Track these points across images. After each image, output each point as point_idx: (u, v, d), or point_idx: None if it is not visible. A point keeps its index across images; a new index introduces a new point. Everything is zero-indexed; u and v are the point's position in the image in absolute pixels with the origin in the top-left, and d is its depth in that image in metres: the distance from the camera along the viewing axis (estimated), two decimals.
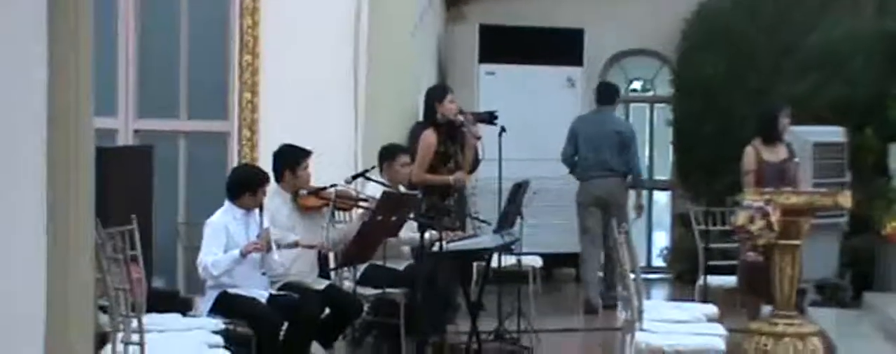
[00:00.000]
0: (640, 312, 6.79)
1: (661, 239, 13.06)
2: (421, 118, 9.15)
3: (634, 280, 6.83)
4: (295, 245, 7.45)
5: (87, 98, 4.15)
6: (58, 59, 3.94)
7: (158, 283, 8.84)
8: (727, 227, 8.46)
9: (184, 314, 7.20)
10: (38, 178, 3.89)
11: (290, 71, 9.30)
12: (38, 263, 3.82)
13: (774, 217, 7.80)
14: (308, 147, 7.73)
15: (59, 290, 3.90)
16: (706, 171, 11.06)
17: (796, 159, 8.75)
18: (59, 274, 3.92)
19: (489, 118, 8.99)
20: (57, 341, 3.88)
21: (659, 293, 11.82)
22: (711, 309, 7.61)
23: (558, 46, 11.85)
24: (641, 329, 6.66)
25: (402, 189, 8.13)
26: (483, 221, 8.86)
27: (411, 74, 10.10)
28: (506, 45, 11.70)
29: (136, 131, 9.46)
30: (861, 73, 10.94)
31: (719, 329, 6.93)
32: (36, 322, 3.82)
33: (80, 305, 4.04)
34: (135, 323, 5.74)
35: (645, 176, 11.53)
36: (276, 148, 7.89)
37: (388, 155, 8.35)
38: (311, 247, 7.57)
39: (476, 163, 9.23)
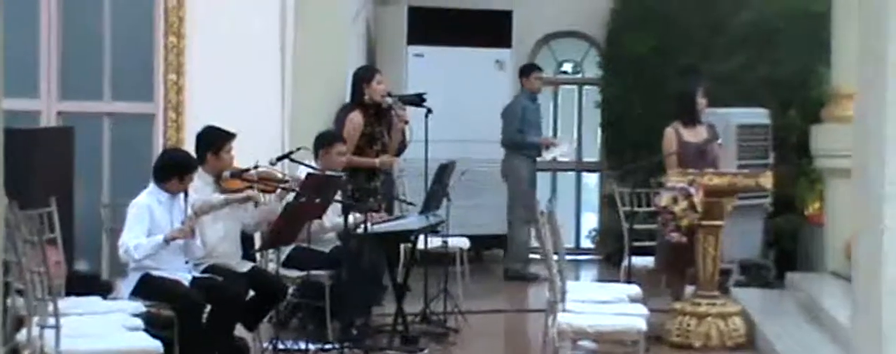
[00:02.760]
0: (563, 293, 6.81)
1: (591, 221, 13.12)
2: (348, 100, 9.11)
3: (557, 261, 6.85)
4: (225, 203, 7.35)
5: None
6: None
7: (82, 266, 8.76)
8: (652, 208, 8.51)
9: (104, 297, 7.15)
10: None
11: (216, 51, 9.24)
12: None
13: (697, 198, 7.88)
14: (233, 129, 7.66)
15: None
16: (634, 152, 11.12)
17: (719, 140, 8.81)
18: None
19: (418, 100, 8.99)
20: None
21: (588, 274, 11.90)
22: (634, 290, 7.66)
23: (487, 28, 11.85)
24: (564, 310, 6.69)
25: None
26: (409, 203, 8.88)
27: (339, 54, 10.05)
28: (435, 26, 11.68)
29: (58, 113, 9.36)
30: (787, 53, 11.04)
31: (641, 309, 6.98)
32: None
33: None
34: (51, 307, 5.66)
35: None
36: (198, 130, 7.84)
37: (324, 142, 8.30)
38: (245, 200, 7.47)
39: (403, 145, 9.22)
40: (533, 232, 10.79)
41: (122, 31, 9.46)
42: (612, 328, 6.59)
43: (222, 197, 7.40)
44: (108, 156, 9.45)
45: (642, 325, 6.58)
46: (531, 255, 11.09)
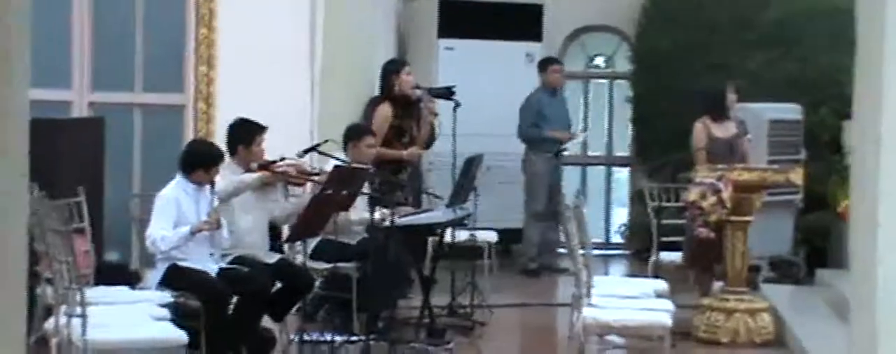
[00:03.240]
0: (589, 287, 6.80)
1: (622, 216, 13.09)
2: (377, 92, 9.12)
3: (583, 255, 6.84)
4: (260, 181, 7.40)
5: (22, 65, 4.10)
6: None
7: (112, 256, 8.83)
8: (681, 204, 8.49)
9: (132, 287, 7.19)
10: None
11: (247, 44, 9.28)
12: None
13: (726, 193, 7.85)
14: (263, 121, 7.68)
15: None
16: (664, 147, 11.08)
17: (748, 136, 8.77)
18: None
19: (447, 93, 8.99)
20: None
21: (617, 269, 11.86)
22: (661, 285, 7.65)
23: (518, 22, 11.82)
24: (589, 305, 6.68)
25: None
26: (436, 196, 8.88)
27: (368, 48, 10.07)
28: (465, 19, 11.66)
29: (90, 104, 9.43)
30: (816, 50, 10.96)
31: (667, 304, 6.95)
32: None
33: (11, 275, 4.00)
34: (79, 296, 5.70)
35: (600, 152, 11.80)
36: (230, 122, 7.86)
37: (354, 135, 8.29)
38: (279, 179, 7.51)
39: (432, 138, 9.22)
40: (545, 228, 10.89)
41: (154, 23, 9.52)
42: (637, 323, 6.58)
43: (257, 174, 7.43)
44: (138, 146, 9.52)
45: (667, 320, 6.56)
46: (546, 250, 11.06)
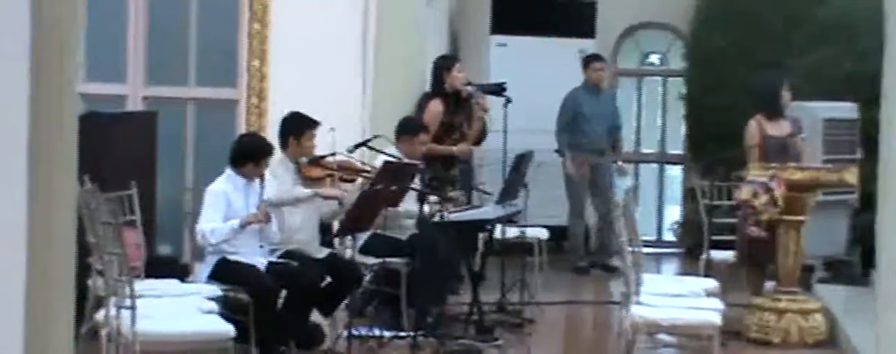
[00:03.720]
0: (638, 285, 6.76)
1: (675, 214, 13.02)
2: (428, 88, 9.12)
3: (632, 253, 6.80)
4: (314, 196, 7.42)
5: (73, 57, 4.14)
6: (44, 22, 3.92)
7: (164, 250, 8.89)
8: (733, 202, 8.42)
9: (182, 280, 7.23)
10: (21, 138, 3.89)
11: (299, 39, 9.31)
12: (18, 221, 3.83)
13: (778, 192, 7.78)
14: (315, 116, 7.70)
15: (39, 251, 3.91)
16: (717, 145, 11.00)
17: (803, 134, 8.69)
18: (40, 233, 3.92)
19: (498, 89, 8.98)
20: (36, 299, 3.89)
21: (669, 267, 11.80)
22: (711, 284, 7.59)
23: (571, 18, 11.80)
24: (638, 303, 6.64)
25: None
26: (486, 192, 8.87)
27: (421, 43, 10.08)
28: (518, 16, 11.65)
29: (144, 98, 9.48)
30: (872, 47, 10.80)
31: (717, 303, 6.90)
32: (16, 278, 3.83)
33: (60, 265, 4.04)
34: (128, 288, 5.74)
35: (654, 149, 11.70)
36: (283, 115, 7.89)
37: (407, 129, 8.30)
38: (331, 198, 7.53)
39: (483, 135, 9.21)
40: (600, 227, 10.85)
41: (208, 18, 9.56)
42: (686, 321, 6.54)
43: (310, 191, 7.45)
44: (191, 141, 9.56)
45: (717, 319, 6.51)
46: (601, 249, 11.02)
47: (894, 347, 3.66)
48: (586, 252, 11.08)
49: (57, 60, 4.01)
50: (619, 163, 11.05)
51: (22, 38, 3.86)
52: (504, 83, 8.96)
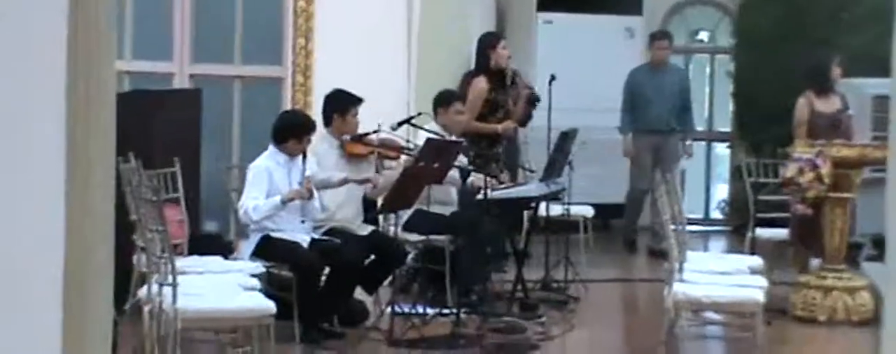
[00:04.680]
0: (681, 263, 6.73)
1: (723, 192, 12.94)
2: (473, 66, 9.10)
3: (675, 230, 6.76)
4: (344, 181, 7.44)
5: (110, 36, 4.16)
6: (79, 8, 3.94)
7: (210, 227, 8.94)
8: (779, 179, 8.35)
9: (226, 257, 7.26)
10: (58, 115, 3.91)
11: (344, 16, 9.33)
12: (56, 197, 3.86)
13: (824, 169, 7.71)
14: (360, 93, 7.70)
15: (76, 226, 3.94)
16: (765, 122, 10.90)
17: (850, 111, 8.60)
18: (78, 209, 3.95)
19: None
20: (74, 275, 3.93)
21: (716, 245, 11.73)
22: (756, 261, 7.53)
23: None
24: (681, 280, 6.60)
25: (454, 137, 8.08)
26: (530, 170, 8.85)
27: (466, 20, 10.05)
28: None
29: (191, 76, 9.54)
30: None
31: (761, 281, 6.84)
32: (54, 254, 3.87)
33: (98, 241, 4.06)
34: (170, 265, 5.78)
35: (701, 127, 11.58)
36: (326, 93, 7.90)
37: (442, 101, 8.28)
38: (363, 182, 7.54)
39: (529, 114, 9.16)
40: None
41: None
42: (729, 299, 6.49)
43: (343, 176, 7.45)
44: (237, 118, 9.62)
45: (760, 297, 6.46)
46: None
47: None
48: (639, 229, 10.95)
49: (94, 35, 4.03)
50: (688, 142, 10.83)
51: (59, 14, 3.88)
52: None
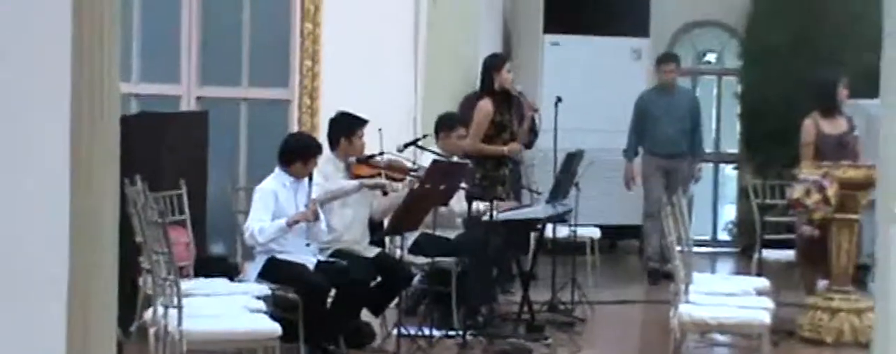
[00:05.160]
0: (687, 284, 6.72)
1: (730, 213, 12.94)
2: (477, 88, 9.13)
3: (681, 251, 6.76)
4: (360, 187, 7.45)
5: (114, 57, 4.17)
6: (83, 20, 3.96)
7: (217, 249, 8.95)
8: (786, 201, 8.35)
9: (232, 279, 7.27)
10: (63, 137, 3.94)
11: (351, 39, 9.33)
12: (61, 219, 3.88)
13: (831, 191, 7.70)
14: (366, 115, 7.72)
15: (83, 249, 3.96)
16: (772, 143, 10.91)
17: (856, 132, 8.60)
18: (83, 232, 3.96)
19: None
20: (79, 296, 3.94)
21: (723, 266, 11.73)
22: (762, 283, 7.53)
23: (625, 17, 11.74)
24: (686, 302, 6.60)
25: (455, 159, 8.11)
26: (536, 192, 8.86)
27: (473, 43, 10.08)
28: (572, 14, 11.61)
29: (198, 98, 9.56)
30: None
31: (767, 302, 6.84)
32: (58, 277, 3.88)
33: (103, 263, 4.07)
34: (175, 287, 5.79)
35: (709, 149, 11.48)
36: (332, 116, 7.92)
37: (445, 125, 8.32)
38: (375, 187, 7.53)
39: (534, 137, 9.17)
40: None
41: (260, 19, 9.62)
42: (734, 320, 6.49)
43: (356, 182, 7.47)
44: (244, 140, 9.63)
45: (766, 318, 6.46)
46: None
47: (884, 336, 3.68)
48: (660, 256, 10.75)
49: (98, 59, 4.05)
50: (698, 166, 10.71)
51: (63, 37, 3.90)
52: (558, 101, 8.80)
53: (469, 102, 9.00)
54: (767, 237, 8.67)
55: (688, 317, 6.43)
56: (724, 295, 6.90)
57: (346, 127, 7.66)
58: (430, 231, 7.87)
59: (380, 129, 7.65)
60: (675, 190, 9.89)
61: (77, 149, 3.96)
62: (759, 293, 7.20)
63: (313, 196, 7.10)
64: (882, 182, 3.67)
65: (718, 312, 6.50)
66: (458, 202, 7.90)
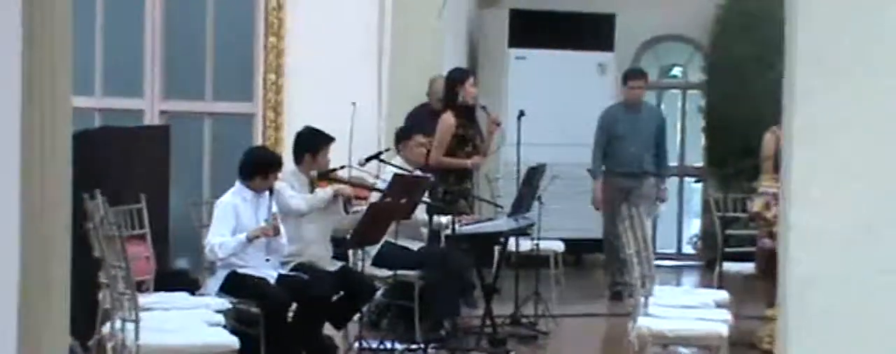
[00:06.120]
0: (646, 297, 6.75)
1: (695, 227, 12.98)
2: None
3: (639, 265, 6.79)
4: (336, 196, 7.48)
5: (65, 72, 4.19)
6: (34, 36, 3.97)
7: (181, 263, 8.93)
8: (747, 214, 8.40)
9: (192, 293, 7.26)
10: (13, 154, 3.94)
11: (315, 53, 9.36)
12: (10, 236, 3.88)
13: None
14: (330, 129, 7.74)
15: (34, 266, 3.96)
16: (737, 157, 10.96)
17: None
18: (34, 248, 3.96)
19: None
20: (30, 312, 3.94)
21: (688, 280, 11.75)
22: (722, 295, 7.56)
23: (590, 31, 11.78)
24: (646, 314, 6.63)
25: (417, 171, 8.13)
26: (497, 205, 8.88)
27: (437, 57, 10.10)
28: (537, 29, 11.64)
29: (162, 112, 9.56)
30: None
31: (725, 314, 6.88)
32: (8, 293, 3.88)
33: (55, 279, 4.08)
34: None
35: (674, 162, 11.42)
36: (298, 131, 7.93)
37: (403, 135, 8.37)
38: (346, 195, 7.56)
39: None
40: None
41: (224, 33, 9.64)
42: (692, 332, 6.52)
43: (330, 189, 7.49)
44: (208, 155, 9.63)
45: (723, 330, 6.48)
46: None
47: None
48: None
49: (49, 75, 4.06)
50: (663, 187, 10.39)
51: (13, 54, 3.91)
52: (521, 115, 8.76)
53: (417, 113, 9.05)
54: (730, 250, 8.70)
55: (646, 330, 6.45)
56: (683, 308, 6.93)
57: (312, 143, 7.67)
58: (393, 240, 7.87)
59: (343, 166, 7.66)
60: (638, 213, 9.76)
61: (28, 161, 3.97)
62: (719, 305, 7.23)
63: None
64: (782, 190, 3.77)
65: (676, 325, 6.53)
66: (421, 211, 7.92)
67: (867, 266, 3.63)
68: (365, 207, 7.68)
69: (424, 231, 8.21)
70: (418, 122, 8.98)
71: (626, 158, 10.07)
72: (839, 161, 3.68)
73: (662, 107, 12.74)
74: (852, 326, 3.65)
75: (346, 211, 7.68)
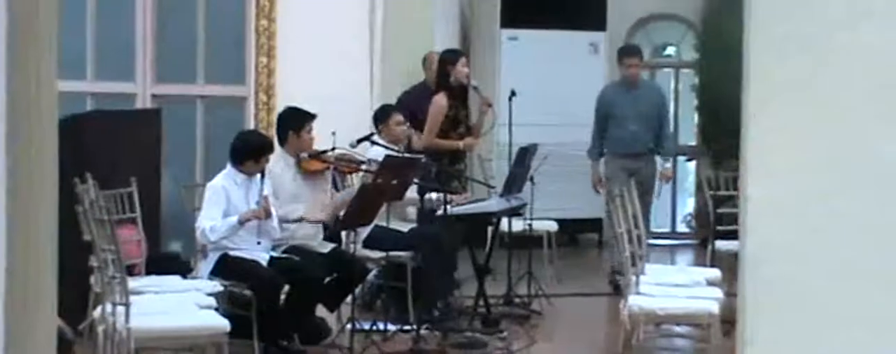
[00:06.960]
0: (637, 276, 6.77)
1: (689, 206, 13.00)
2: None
3: (631, 243, 6.80)
4: (300, 220, 7.48)
5: (51, 53, 4.17)
6: (20, 17, 3.95)
7: (174, 246, 8.94)
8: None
9: (184, 276, 7.27)
10: None
11: (307, 34, 9.35)
12: None
13: None
14: (323, 111, 7.73)
15: (20, 250, 3.95)
16: (730, 135, 10.93)
17: None
18: (20, 232, 3.95)
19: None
20: (16, 297, 3.94)
21: (683, 259, 11.78)
22: (714, 273, 7.56)
23: (582, 11, 11.74)
24: (637, 293, 6.64)
25: (402, 150, 8.15)
26: (489, 186, 8.88)
27: (429, 38, 10.09)
28: (529, 9, 11.62)
29: (154, 95, 9.55)
30: None
31: (716, 292, 6.88)
32: None
33: (41, 263, 4.07)
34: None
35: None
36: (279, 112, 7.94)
37: (382, 116, 8.39)
38: (317, 222, 7.58)
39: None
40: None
41: (216, 16, 9.62)
42: (683, 311, 6.54)
43: (296, 216, 7.48)
44: (201, 138, 9.63)
45: (714, 308, 6.49)
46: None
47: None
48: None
49: (33, 56, 4.05)
50: (666, 166, 10.09)
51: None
52: (512, 95, 8.74)
53: (414, 93, 9.05)
54: (722, 228, 8.70)
55: (638, 309, 6.47)
56: (674, 286, 6.94)
57: (295, 121, 7.67)
58: (383, 224, 7.88)
59: (333, 133, 7.65)
60: (643, 192, 9.21)
61: (12, 146, 3.96)
62: (711, 283, 7.24)
63: (265, 192, 7.10)
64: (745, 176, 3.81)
65: (667, 303, 6.54)
66: (412, 191, 7.90)
67: (821, 237, 3.66)
68: (354, 183, 7.70)
69: (411, 211, 8.21)
70: (416, 101, 8.97)
71: (626, 138, 9.73)
72: (794, 133, 3.70)
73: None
74: (806, 297, 3.68)
75: (337, 189, 7.69)
